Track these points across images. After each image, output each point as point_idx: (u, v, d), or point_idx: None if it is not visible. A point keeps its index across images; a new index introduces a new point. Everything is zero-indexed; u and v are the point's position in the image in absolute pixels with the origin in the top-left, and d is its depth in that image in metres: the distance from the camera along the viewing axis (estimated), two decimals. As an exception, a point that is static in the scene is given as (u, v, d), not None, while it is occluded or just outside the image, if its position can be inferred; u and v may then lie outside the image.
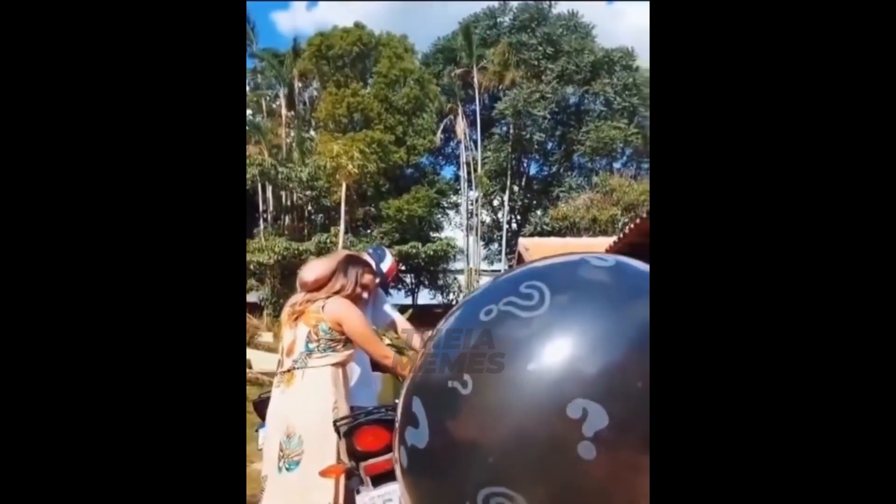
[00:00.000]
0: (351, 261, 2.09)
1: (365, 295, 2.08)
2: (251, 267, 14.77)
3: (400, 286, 19.78)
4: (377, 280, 2.21)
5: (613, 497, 0.93)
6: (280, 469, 1.80)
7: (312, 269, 2.05)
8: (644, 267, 1.15)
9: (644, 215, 5.06)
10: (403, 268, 17.83)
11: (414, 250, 17.27)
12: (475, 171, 19.83)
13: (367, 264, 2.12)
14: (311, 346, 1.92)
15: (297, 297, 2.06)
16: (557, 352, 0.96)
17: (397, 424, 1.11)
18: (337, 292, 1.99)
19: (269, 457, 1.84)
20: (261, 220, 18.16)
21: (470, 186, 20.52)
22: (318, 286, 2.01)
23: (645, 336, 0.95)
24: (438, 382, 1.04)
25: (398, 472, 1.11)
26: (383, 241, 16.62)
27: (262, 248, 15.38)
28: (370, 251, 2.40)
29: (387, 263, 2.32)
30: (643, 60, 19.65)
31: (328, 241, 15.90)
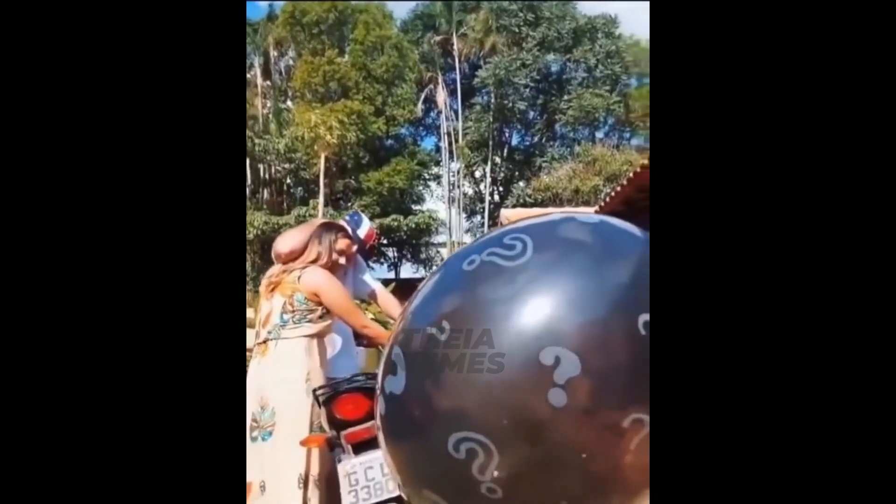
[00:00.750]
0: (325, 228, 2.04)
1: (342, 261, 2.02)
2: (230, 242, 14.51)
3: (382, 260, 19.73)
4: (355, 247, 2.15)
5: (588, 451, 0.93)
6: (255, 439, 1.79)
7: (287, 240, 1.99)
8: (627, 226, 1.14)
9: (625, 182, 5.06)
10: (385, 241, 17.75)
11: (395, 223, 17.15)
12: (456, 141, 19.63)
13: (342, 229, 2.06)
14: (286, 316, 1.89)
15: (274, 268, 2.01)
16: (539, 307, 0.96)
17: (379, 376, 1.10)
18: (313, 261, 1.95)
19: (247, 427, 1.82)
20: (238, 194, 17.73)
21: (451, 158, 20.33)
22: (293, 257, 1.96)
23: (626, 294, 0.97)
24: (417, 330, 1.04)
25: (378, 422, 1.11)
26: (364, 213, 16.43)
27: (241, 222, 15.06)
28: (347, 218, 2.34)
29: (364, 229, 2.26)
30: (625, 27, 19.45)
31: (307, 214, 15.67)
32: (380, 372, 1.11)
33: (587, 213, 1.41)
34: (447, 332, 0.97)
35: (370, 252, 2.46)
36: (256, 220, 15.44)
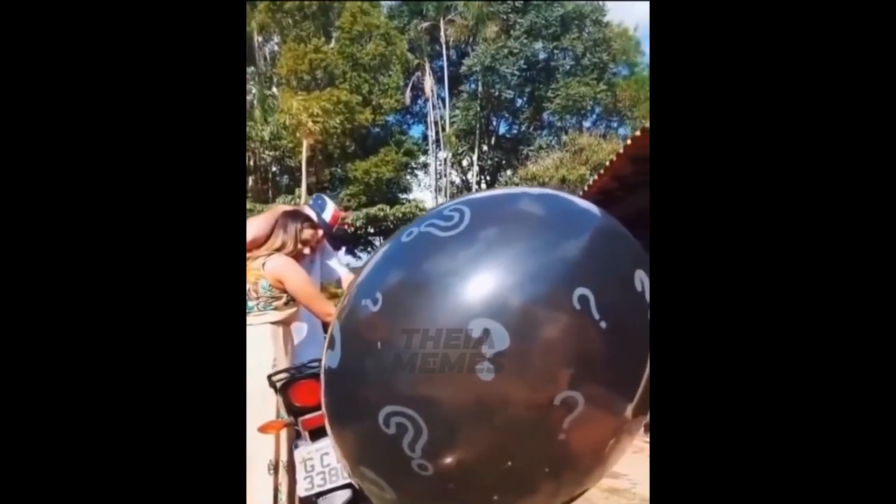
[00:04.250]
0: (290, 216, 2.01)
1: (306, 251, 2.02)
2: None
3: (369, 249, 19.66)
4: (320, 233, 2.14)
5: (517, 428, 0.91)
6: None
7: (249, 228, 1.97)
8: (576, 200, 1.13)
9: (601, 172, 5.07)
10: (372, 231, 17.67)
11: (382, 213, 17.05)
12: (443, 130, 19.53)
13: (307, 219, 2.04)
14: (251, 303, 1.87)
15: None
16: (469, 279, 0.93)
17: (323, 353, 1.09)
18: (278, 250, 1.93)
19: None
20: (223, 183, 17.48)
21: (438, 146, 20.24)
22: (255, 245, 1.94)
23: (562, 267, 0.96)
24: (353, 302, 1.03)
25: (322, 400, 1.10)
26: (350, 204, 16.32)
27: (225, 210, 14.87)
28: (311, 202, 2.31)
29: (329, 212, 2.23)
30: (613, 15, 19.38)
31: (292, 202, 15.53)
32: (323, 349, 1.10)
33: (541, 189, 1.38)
34: (379, 303, 0.95)
35: (336, 231, 2.43)
36: (241, 208, 15.24)
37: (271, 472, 1.76)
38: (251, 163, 18.23)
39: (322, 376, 1.06)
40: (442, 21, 19.52)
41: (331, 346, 1.04)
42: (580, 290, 0.91)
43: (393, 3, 21.54)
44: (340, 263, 2.40)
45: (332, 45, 18.15)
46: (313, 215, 2.13)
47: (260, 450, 1.75)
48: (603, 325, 0.91)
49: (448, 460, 0.92)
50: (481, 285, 0.92)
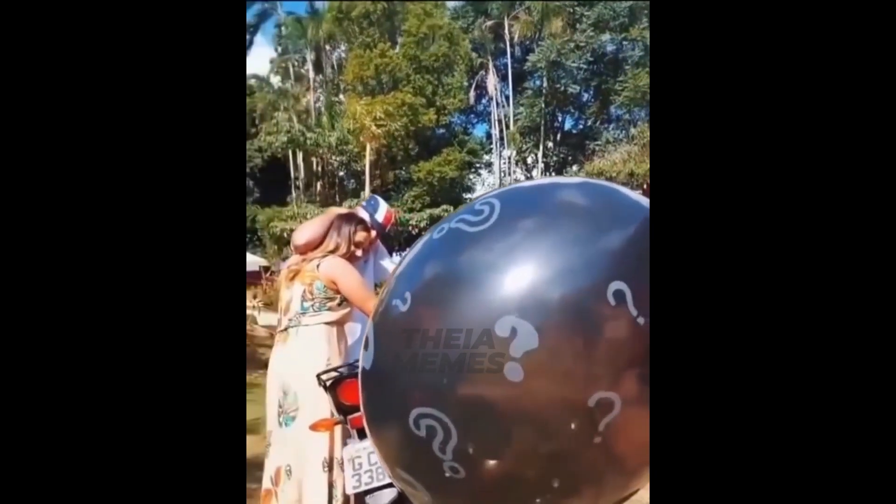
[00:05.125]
0: (344, 219, 2.05)
1: (359, 253, 2.04)
2: (284, 235, 15.02)
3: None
4: (373, 234, 2.15)
5: (551, 431, 0.86)
6: (280, 424, 1.83)
7: (304, 232, 2.02)
8: (628, 193, 1.06)
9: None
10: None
11: (446, 214, 17.11)
12: (507, 128, 19.36)
13: (360, 221, 2.06)
14: (306, 304, 1.91)
15: (295, 258, 2.04)
16: (496, 276, 0.89)
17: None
18: (332, 251, 1.96)
19: (271, 413, 1.87)
20: (293, 188, 18.37)
21: (502, 144, 20.09)
22: (310, 247, 1.99)
23: (596, 260, 0.91)
24: (385, 302, 1.01)
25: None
26: (414, 205, 16.55)
27: (295, 215, 15.62)
28: (364, 204, 2.34)
29: (382, 213, 2.25)
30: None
31: (357, 206, 16.02)
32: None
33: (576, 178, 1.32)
34: (408, 303, 0.93)
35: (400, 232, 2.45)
36: (310, 212, 15.93)
37: (326, 469, 1.79)
38: (319, 168, 18.98)
39: (359, 377, 1.06)
40: (506, 18, 19.35)
41: (366, 346, 1.03)
42: (616, 285, 0.85)
43: (457, 3, 21.65)
44: (394, 263, 2.41)
45: (396, 49, 18.53)
46: (366, 216, 2.15)
47: (314, 447, 1.78)
48: (641, 321, 0.85)
49: (479, 463, 0.89)
50: (509, 282, 0.88)
